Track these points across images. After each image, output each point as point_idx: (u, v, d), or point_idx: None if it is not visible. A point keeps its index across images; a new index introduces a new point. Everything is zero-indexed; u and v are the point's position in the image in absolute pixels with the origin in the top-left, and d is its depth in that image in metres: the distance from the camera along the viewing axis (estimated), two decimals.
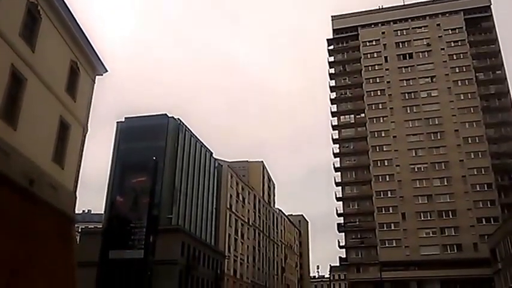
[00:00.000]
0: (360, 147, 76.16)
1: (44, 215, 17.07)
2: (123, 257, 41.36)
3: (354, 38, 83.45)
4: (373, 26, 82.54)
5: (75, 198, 20.80)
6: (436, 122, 73.14)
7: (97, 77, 23.06)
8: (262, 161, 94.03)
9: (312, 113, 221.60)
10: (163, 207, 49.37)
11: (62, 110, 19.29)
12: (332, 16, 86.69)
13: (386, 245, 68.57)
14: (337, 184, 75.75)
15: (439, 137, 72.34)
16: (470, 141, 70.66)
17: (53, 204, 17.94)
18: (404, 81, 77.44)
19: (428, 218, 68.23)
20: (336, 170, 76.37)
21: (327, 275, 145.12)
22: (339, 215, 73.99)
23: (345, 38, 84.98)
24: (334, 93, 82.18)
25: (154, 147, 51.01)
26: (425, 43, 78.78)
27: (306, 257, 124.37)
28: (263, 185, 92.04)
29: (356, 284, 70.49)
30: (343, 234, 72.74)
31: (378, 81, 78.77)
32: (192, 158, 58.19)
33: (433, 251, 65.96)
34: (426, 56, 78.34)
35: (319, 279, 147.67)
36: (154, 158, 46.86)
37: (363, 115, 78.07)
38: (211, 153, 65.39)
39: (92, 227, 66.45)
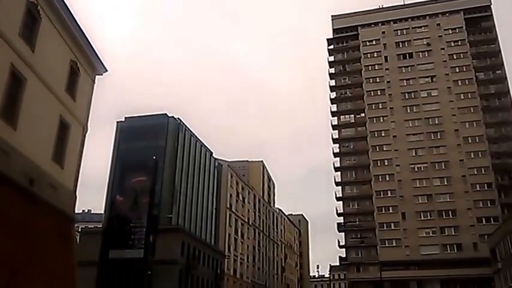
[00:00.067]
0: (360, 147, 76.15)
1: (44, 214, 17.07)
2: (123, 256, 41.45)
3: (354, 37, 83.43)
4: (373, 25, 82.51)
5: (75, 197, 20.81)
6: (436, 122, 73.13)
7: (97, 76, 23.05)
8: (262, 161, 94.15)
9: (312, 113, 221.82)
10: (163, 206, 49.39)
11: (62, 109, 19.29)
12: (332, 16, 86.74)
13: (386, 245, 68.59)
14: (337, 184, 75.75)
15: (439, 137, 72.34)
16: (470, 141, 70.64)
17: (53, 203, 17.94)
18: (404, 81, 77.43)
19: (428, 218, 68.23)
20: (336, 169, 76.36)
21: (326, 275, 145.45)
22: (338, 214, 74.02)
23: (345, 38, 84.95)
24: (334, 92, 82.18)
25: (154, 146, 51.04)
26: (425, 43, 78.75)
27: (305, 256, 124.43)
28: (263, 185, 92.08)
29: (356, 283, 70.50)
30: (343, 233, 72.76)
31: (378, 80, 78.76)
32: (192, 157, 58.20)
33: (433, 250, 65.96)
34: (426, 55, 78.32)
35: (319, 279, 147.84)
36: (154, 157, 46.94)
37: (363, 115, 78.06)
38: (211, 153, 65.42)
39: (92, 226, 66.42)
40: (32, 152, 16.65)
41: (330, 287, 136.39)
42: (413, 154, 72.16)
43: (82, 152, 21.27)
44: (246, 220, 75.59)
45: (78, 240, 46.12)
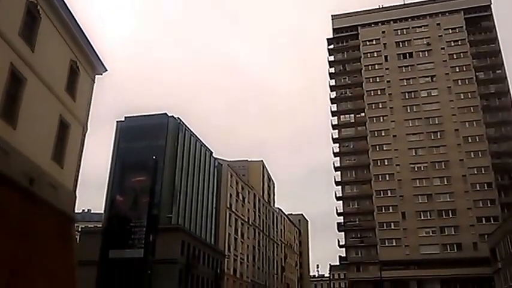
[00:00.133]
0: (360, 147, 76.14)
1: (43, 214, 17.06)
2: (123, 256, 41.47)
3: (354, 37, 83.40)
4: (373, 25, 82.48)
5: (75, 197, 20.80)
6: (436, 122, 73.11)
7: (97, 76, 23.05)
8: (262, 161, 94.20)
9: (312, 113, 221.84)
10: (163, 206, 49.39)
11: (62, 109, 19.28)
12: (332, 15, 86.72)
13: (386, 244, 68.60)
14: (337, 183, 75.73)
15: (439, 137, 72.33)
16: (470, 141, 70.62)
17: (53, 203, 17.93)
18: (405, 81, 77.41)
19: (428, 217, 68.23)
20: (336, 169, 76.34)
21: (326, 274, 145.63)
22: (338, 214, 74.02)
23: (345, 37, 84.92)
24: (334, 92, 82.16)
25: (154, 146, 51.03)
26: (425, 42, 78.72)
27: (305, 256, 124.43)
28: (263, 185, 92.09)
29: (356, 283, 70.52)
30: (343, 233, 72.76)
31: (378, 80, 78.73)
32: (192, 157, 58.19)
33: (433, 250, 65.97)
34: (426, 55, 78.29)
35: (319, 278, 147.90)
36: (154, 157, 46.94)
37: (362, 114, 78.04)
38: (211, 153, 65.41)
39: (92, 226, 66.33)
40: (31, 151, 16.64)
41: (330, 286, 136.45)
42: (413, 154, 72.14)
43: (82, 152, 21.27)
44: (246, 220, 75.61)
45: (78, 239, 46.13)
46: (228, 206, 67.93)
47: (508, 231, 47.75)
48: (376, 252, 68.91)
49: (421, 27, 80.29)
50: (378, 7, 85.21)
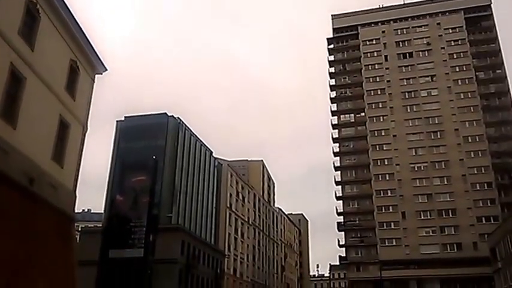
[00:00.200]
0: (360, 146, 76.14)
1: (43, 214, 17.05)
2: (123, 256, 41.42)
3: (354, 37, 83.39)
4: (373, 25, 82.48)
5: (75, 197, 20.79)
6: (436, 121, 73.12)
7: (97, 76, 23.03)
8: (262, 160, 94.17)
9: (312, 112, 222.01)
10: (163, 206, 49.35)
11: (62, 108, 19.26)
12: (332, 15, 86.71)
13: (386, 244, 68.62)
14: (337, 183, 75.74)
15: (439, 136, 72.33)
16: (470, 140, 70.62)
17: (53, 203, 17.92)
18: (405, 80, 77.41)
19: (428, 217, 68.23)
20: (336, 169, 76.34)
21: (326, 274, 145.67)
22: (338, 214, 74.03)
23: (345, 37, 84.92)
24: (334, 92, 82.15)
25: (154, 146, 50.99)
26: (425, 42, 78.72)
27: (305, 255, 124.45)
28: (263, 184, 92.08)
29: (356, 282, 70.53)
30: (343, 233, 72.77)
31: (378, 80, 78.72)
32: (192, 157, 58.16)
33: (433, 249, 65.99)
34: (426, 55, 78.28)
35: (319, 278, 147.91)
36: (154, 157, 46.89)
37: (362, 114, 78.04)
38: (211, 152, 65.37)
39: (92, 226, 66.32)
40: (31, 151, 16.63)
41: (330, 286, 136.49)
42: (413, 153, 72.14)
43: (82, 151, 21.25)
44: (246, 219, 75.59)
45: (78, 239, 46.10)
46: (228, 205, 67.92)
47: (508, 231, 47.74)
48: (376, 252, 68.92)
49: (421, 26, 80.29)
50: (377, 7, 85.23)
